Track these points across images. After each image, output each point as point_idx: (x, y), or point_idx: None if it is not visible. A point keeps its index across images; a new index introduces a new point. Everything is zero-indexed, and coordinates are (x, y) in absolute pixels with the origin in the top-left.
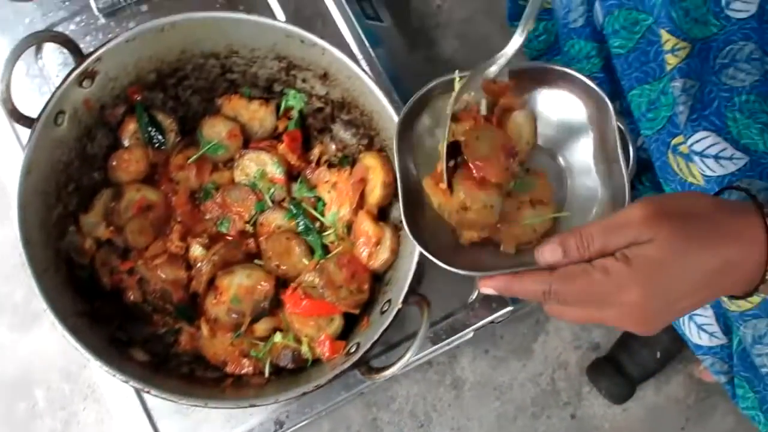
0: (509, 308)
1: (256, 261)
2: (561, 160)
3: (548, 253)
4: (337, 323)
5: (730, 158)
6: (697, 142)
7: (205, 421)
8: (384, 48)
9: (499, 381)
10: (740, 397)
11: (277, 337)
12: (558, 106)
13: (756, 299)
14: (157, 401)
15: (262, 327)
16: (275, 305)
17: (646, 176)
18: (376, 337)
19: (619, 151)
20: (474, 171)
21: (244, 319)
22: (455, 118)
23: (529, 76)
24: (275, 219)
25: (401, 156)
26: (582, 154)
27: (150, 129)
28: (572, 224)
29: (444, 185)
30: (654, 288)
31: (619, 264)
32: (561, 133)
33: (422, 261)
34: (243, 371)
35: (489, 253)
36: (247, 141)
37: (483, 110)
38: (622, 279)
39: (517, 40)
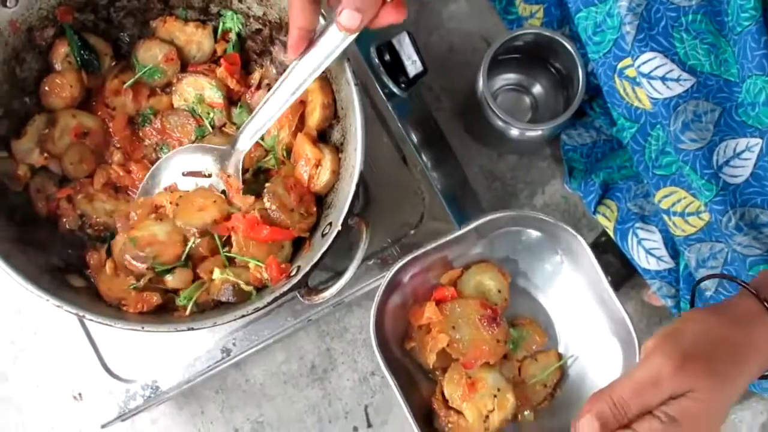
0: (458, 233)
1: None
2: (541, 297)
3: (586, 427)
4: (287, 250)
5: (677, 80)
6: (644, 63)
7: (150, 351)
8: None
9: None
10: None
11: (216, 274)
12: (523, 244)
13: (699, 222)
14: (101, 333)
15: (175, 279)
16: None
17: (597, 102)
18: (316, 259)
19: (606, 285)
20: (470, 365)
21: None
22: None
23: (479, 228)
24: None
25: (385, 354)
26: (563, 287)
27: (83, 52)
28: (579, 365)
29: (453, 417)
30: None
31: (669, 426)
32: (534, 270)
33: (366, 185)
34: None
35: (509, 428)
36: (185, 65)
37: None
38: None
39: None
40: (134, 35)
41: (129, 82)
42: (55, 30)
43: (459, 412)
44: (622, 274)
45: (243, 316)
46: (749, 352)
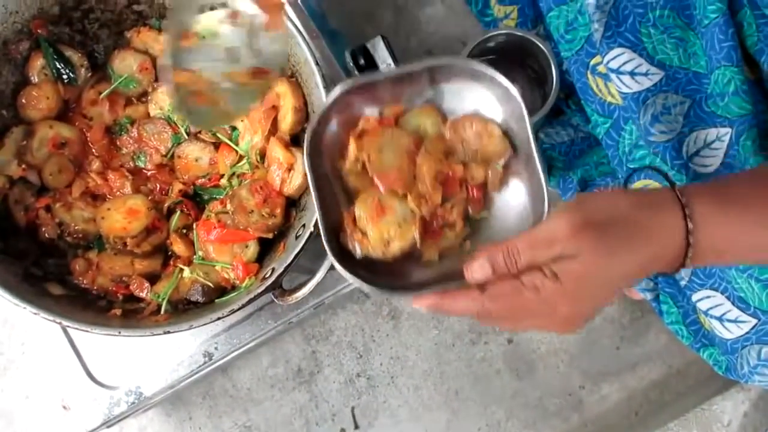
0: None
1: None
2: None
3: (477, 270)
4: (252, 250)
5: (646, 74)
6: (613, 59)
7: (133, 358)
8: None
9: None
10: (665, 313)
11: (186, 272)
12: (466, 99)
13: None
14: (84, 341)
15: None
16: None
17: (572, 99)
18: (289, 261)
19: (534, 148)
20: (381, 186)
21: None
22: (359, 136)
23: (433, 72)
24: (192, 151)
25: (314, 167)
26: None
27: (58, 64)
28: (491, 225)
29: (358, 235)
30: (582, 300)
31: (548, 282)
32: None
33: None
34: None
35: (413, 261)
36: None
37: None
38: (553, 296)
39: None
40: (109, 46)
41: (105, 93)
42: (30, 43)
43: (364, 233)
44: None
45: (219, 318)
46: (648, 233)
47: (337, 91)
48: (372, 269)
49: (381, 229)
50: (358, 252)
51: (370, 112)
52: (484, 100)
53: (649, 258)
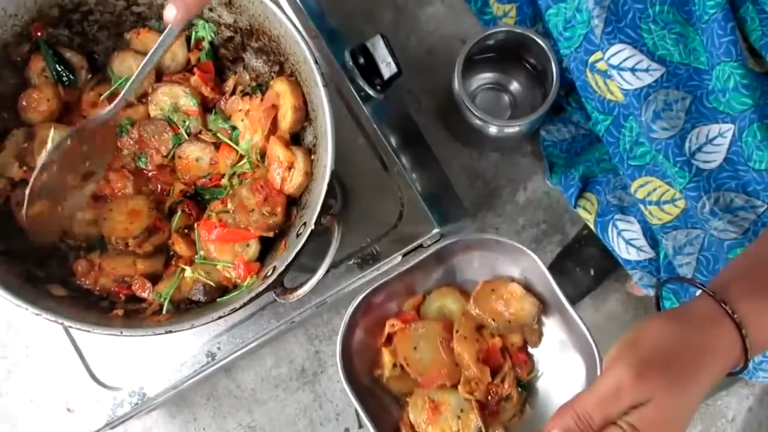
0: (436, 230)
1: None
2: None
3: None
4: (253, 249)
5: (647, 70)
6: (614, 55)
7: (136, 359)
8: None
9: None
10: (668, 309)
11: (188, 272)
12: (478, 267)
13: (675, 210)
14: (87, 342)
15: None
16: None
17: (573, 96)
18: (290, 259)
19: (561, 297)
20: (428, 386)
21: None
22: (387, 340)
23: (438, 253)
24: (192, 151)
25: (351, 380)
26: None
27: (58, 67)
28: (546, 381)
29: None
30: None
31: None
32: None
33: (344, 186)
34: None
35: None
36: (160, 75)
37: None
38: None
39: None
40: (109, 48)
41: (105, 94)
42: (30, 45)
43: None
44: (605, 266)
45: (220, 317)
46: (707, 355)
47: (354, 302)
48: None
49: (442, 427)
50: None
51: (389, 308)
52: (495, 263)
53: (716, 374)
